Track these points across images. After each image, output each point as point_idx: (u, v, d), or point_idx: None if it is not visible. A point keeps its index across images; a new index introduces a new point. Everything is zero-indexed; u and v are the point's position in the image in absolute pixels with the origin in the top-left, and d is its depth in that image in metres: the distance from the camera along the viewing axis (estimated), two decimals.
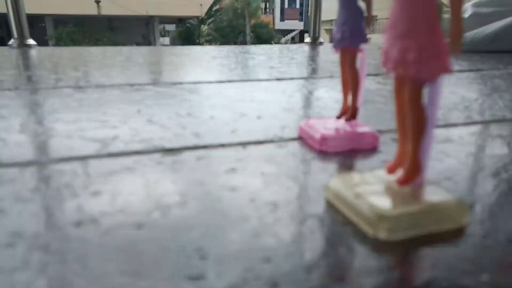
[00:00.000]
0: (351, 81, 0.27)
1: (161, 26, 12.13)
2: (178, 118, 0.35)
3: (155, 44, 9.67)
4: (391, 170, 0.19)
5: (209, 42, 9.81)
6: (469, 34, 0.97)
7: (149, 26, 10.61)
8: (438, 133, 0.31)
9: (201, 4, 10.87)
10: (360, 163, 0.26)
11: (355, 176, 0.20)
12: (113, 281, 0.14)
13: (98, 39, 8.15)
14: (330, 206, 0.19)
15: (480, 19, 0.99)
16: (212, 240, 0.16)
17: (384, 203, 0.17)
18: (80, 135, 0.30)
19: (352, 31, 0.25)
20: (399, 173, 0.19)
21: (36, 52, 1.27)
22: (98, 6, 9.31)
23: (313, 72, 0.65)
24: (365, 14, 0.25)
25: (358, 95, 0.27)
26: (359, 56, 0.26)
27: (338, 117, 0.29)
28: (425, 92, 0.17)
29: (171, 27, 12.68)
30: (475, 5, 1.03)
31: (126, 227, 0.17)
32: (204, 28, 10.14)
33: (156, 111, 0.38)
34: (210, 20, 10.28)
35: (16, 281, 0.14)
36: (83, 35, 8.17)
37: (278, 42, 11.67)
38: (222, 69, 0.68)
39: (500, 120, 0.36)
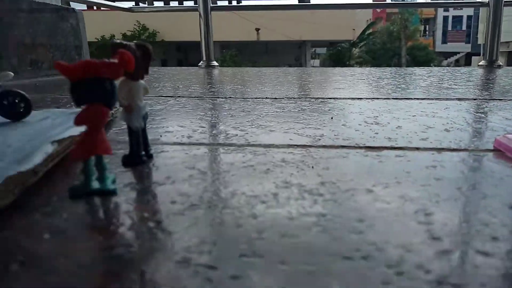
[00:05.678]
0: None
1: (313, 49, 12.62)
2: (368, 126, 0.40)
3: (305, 66, 10.09)
4: None
5: (360, 64, 9.72)
6: None
7: (302, 49, 11.15)
8: None
9: (353, 29, 10.91)
10: None
11: None
12: None
13: (255, 61, 9.01)
14: None
15: None
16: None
17: None
18: (293, 131, 0.38)
19: None
20: None
21: (217, 71, 1.52)
22: (258, 33, 10.33)
23: (500, 95, 0.62)
24: None
25: None
26: None
27: None
28: None
29: (322, 50, 13.07)
30: None
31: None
32: (355, 51, 10.13)
33: (346, 119, 0.44)
34: (362, 44, 10.21)
35: None
36: (242, 57, 9.21)
37: (438, 65, 10.79)
38: (393, 88, 0.71)
39: None
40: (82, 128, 0.31)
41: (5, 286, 0.14)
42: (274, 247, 0.17)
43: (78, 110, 0.44)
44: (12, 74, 0.35)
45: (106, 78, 0.20)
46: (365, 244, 0.17)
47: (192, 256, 0.16)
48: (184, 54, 10.92)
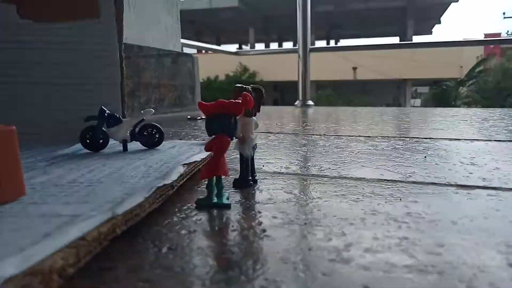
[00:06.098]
0: None
1: (414, 88, 12.06)
2: (462, 166, 0.41)
3: (405, 106, 9.65)
4: None
5: (468, 104, 8.95)
6: None
7: (401, 88, 10.75)
8: None
9: (461, 66, 10.18)
10: None
11: None
12: None
13: (351, 100, 8.95)
14: None
15: None
16: None
17: None
18: (384, 168, 0.40)
19: None
20: None
21: (312, 110, 1.57)
22: (355, 72, 10.31)
23: None
24: None
25: None
26: None
27: None
28: None
29: (423, 89, 12.40)
30: None
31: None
32: (463, 90, 9.38)
33: (440, 159, 0.44)
34: (470, 82, 9.43)
35: None
36: (338, 96, 9.24)
37: None
38: (497, 130, 0.68)
39: None
40: (202, 155, 0.39)
41: (159, 262, 0.20)
42: (358, 257, 0.20)
43: (194, 141, 0.52)
44: (153, 110, 0.44)
45: (232, 115, 0.26)
46: (441, 263, 0.19)
47: (290, 256, 0.20)
48: (280, 93, 11.37)
